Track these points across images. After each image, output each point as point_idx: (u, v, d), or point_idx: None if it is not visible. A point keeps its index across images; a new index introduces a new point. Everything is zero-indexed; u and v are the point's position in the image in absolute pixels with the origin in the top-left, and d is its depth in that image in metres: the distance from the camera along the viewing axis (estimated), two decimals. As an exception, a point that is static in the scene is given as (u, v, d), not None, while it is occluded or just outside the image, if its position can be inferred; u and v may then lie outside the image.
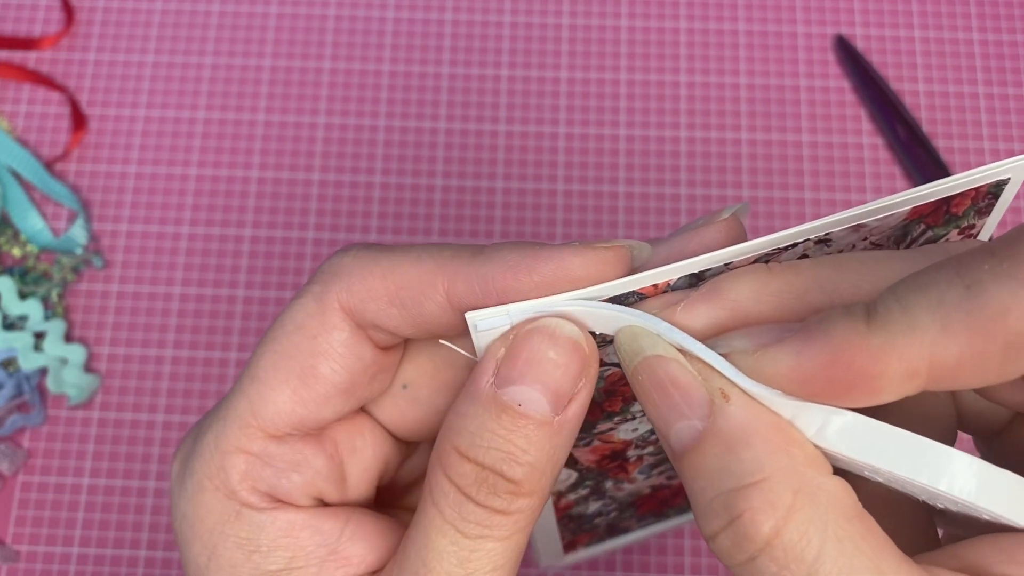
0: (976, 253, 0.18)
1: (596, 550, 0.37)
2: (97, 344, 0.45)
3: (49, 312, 0.45)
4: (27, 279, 0.46)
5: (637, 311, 0.21)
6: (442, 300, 0.22)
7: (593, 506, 0.32)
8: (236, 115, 0.49)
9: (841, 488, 0.19)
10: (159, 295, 0.46)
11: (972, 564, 0.18)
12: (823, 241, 0.22)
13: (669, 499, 0.34)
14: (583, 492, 0.31)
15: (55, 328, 0.45)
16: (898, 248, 0.23)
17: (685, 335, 0.20)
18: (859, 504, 0.19)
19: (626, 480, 0.31)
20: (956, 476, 0.18)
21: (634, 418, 0.27)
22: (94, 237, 0.47)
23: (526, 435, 0.21)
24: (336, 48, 0.50)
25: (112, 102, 0.49)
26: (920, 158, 0.48)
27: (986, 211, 0.23)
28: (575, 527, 0.34)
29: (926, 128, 0.49)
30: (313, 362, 0.23)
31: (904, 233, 0.22)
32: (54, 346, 0.44)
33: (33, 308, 0.45)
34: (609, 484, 0.31)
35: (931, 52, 0.50)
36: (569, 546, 0.35)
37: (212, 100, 0.49)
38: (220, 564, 0.23)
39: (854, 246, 0.23)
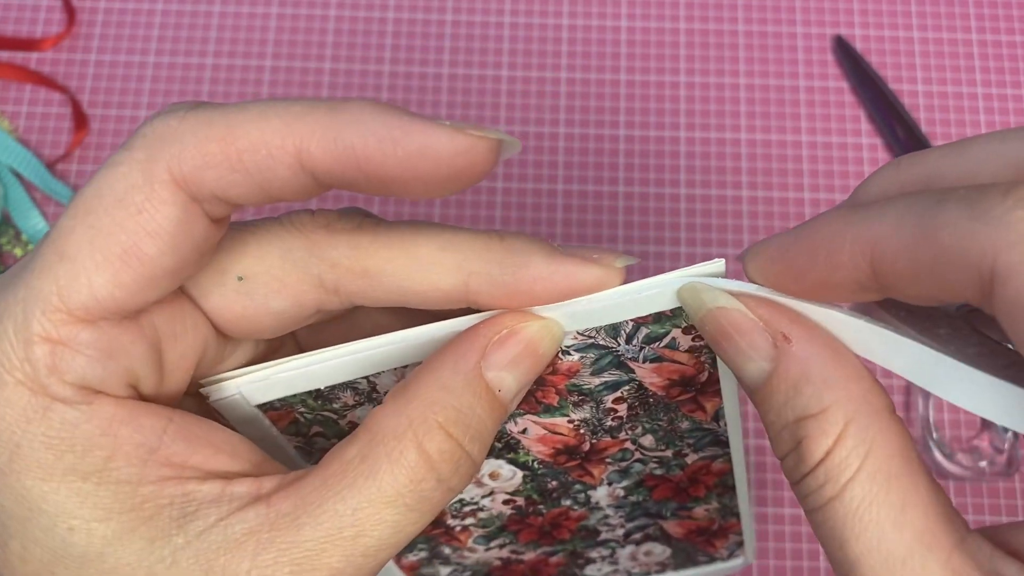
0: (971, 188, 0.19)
1: None
2: (99, 344, 0.46)
3: (51, 312, 0.46)
4: (29, 279, 0.46)
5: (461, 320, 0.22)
6: (293, 163, 0.20)
7: (443, 570, 0.32)
8: (237, 115, 0.49)
9: (892, 426, 0.20)
10: (160, 295, 0.46)
11: (1002, 541, 0.19)
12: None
13: None
14: (422, 554, 0.30)
15: (57, 328, 0.45)
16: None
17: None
18: (909, 446, 0.20)
19: (464, 548, 0.30)
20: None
21: None
22: (95, 237, 0.47)
23: (496, 419, 0.21)
24: (336, 48, 0.50)
25: (113, 102, 0.49)
26: (919, 158, 0.48)
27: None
28: None
29: (925, 128, 0.49)
30: (138, 241, 0.20)
31: (614, 329, 0.22)
32: (56, 346, 0.45)
33: (35, 308, 0.45)
34: (447, 551, 0.30)
35: (930, 53, 0.50)
36: None
37: (213, 101, 0.49)
38: (27, 465, 0.20)
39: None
